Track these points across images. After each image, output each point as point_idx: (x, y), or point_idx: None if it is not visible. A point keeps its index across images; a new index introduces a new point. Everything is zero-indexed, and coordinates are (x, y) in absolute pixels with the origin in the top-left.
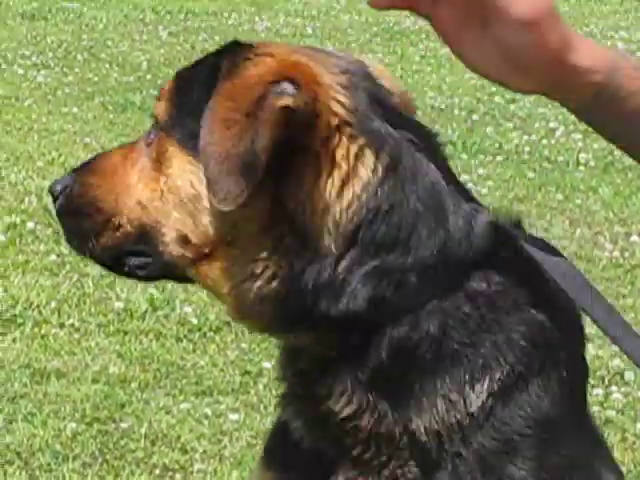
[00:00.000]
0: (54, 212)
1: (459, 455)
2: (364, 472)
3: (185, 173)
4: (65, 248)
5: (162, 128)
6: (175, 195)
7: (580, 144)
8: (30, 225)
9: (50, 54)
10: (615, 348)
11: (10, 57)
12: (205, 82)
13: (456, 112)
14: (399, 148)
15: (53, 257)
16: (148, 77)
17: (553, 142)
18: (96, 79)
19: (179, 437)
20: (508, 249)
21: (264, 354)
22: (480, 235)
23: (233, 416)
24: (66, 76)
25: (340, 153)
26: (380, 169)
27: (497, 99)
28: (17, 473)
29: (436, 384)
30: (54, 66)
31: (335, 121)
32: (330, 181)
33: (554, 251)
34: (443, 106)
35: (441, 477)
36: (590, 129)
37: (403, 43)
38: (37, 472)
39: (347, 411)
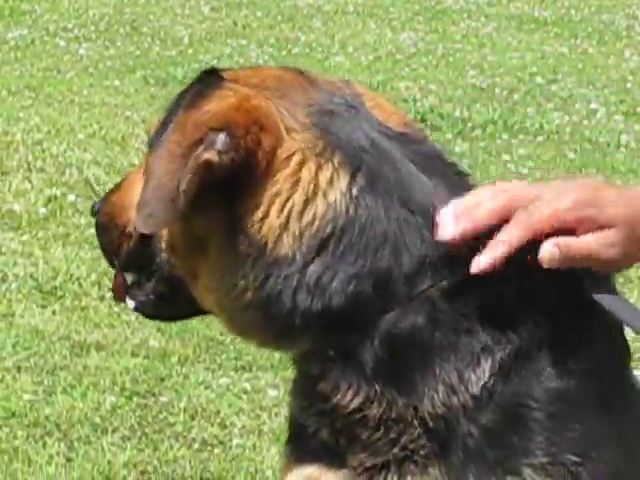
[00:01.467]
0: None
1: (469, 434)
2: (374, 453)
3: None
4: None
5: (149, 141)
6: None
7: (621, 125)
8: (71, 198)
9: (92, 27)
10: None
11: (52, 30)
12: (178, 105)
13: (497, 91)
14: (379, 166)
15: (93, 230)
16: (189, 51)
17: (594, 123)
18: (138, 53)
19: (218, 412)
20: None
21: None
22: None
23: (272, 392)
24: (108, 49)
25: (304, 180)
26: (354, 191)
27: (538, 79)
28: (56, 445)
29: (435, 371)
30: (96, 39)
31: (295, 157)
32: (289, 204)
33: None
34: (484, 85)
35: (453, 456)
36: (632, 110)
37: (445, 22)
38: (76, 444)
39: (355, 403)
